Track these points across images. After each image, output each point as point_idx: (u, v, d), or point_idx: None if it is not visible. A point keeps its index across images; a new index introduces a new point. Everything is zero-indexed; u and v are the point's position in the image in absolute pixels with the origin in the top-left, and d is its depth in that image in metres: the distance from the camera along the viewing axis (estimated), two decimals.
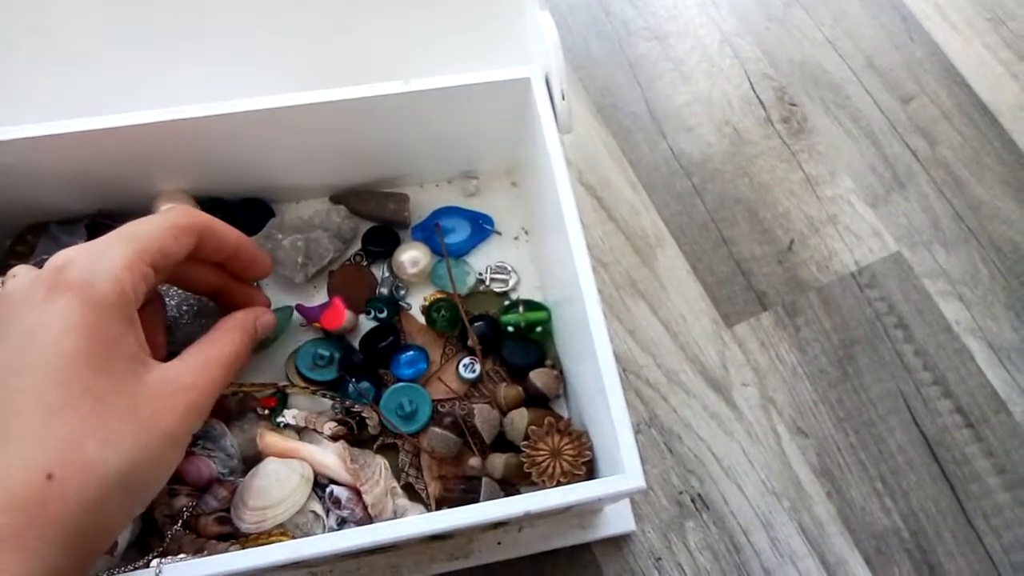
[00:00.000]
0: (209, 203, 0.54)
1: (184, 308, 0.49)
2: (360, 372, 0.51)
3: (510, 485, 0.49)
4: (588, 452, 0.46)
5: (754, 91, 0.68)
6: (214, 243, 0.40)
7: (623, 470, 0.39)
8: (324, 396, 0.51)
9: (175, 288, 0.48)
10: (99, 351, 0.31)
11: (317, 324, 0.52)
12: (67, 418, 0.30)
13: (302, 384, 0.51)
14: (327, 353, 0.51)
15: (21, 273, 0.33)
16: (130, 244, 0.34)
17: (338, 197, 0.58)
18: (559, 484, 0.45)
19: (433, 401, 0.51)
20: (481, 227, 0.58)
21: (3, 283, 0.35)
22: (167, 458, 0.34)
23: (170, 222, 0.37)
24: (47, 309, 0.31)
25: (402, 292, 0.55)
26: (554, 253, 0.50)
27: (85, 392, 0.30)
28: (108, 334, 0.31)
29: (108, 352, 0.31)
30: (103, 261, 0.33)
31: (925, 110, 0.69)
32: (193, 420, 0.35)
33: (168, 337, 0.44)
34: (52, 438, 0.29)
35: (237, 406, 0.50)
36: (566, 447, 0.47)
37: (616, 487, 0.39)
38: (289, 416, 0.49)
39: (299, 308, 0.53)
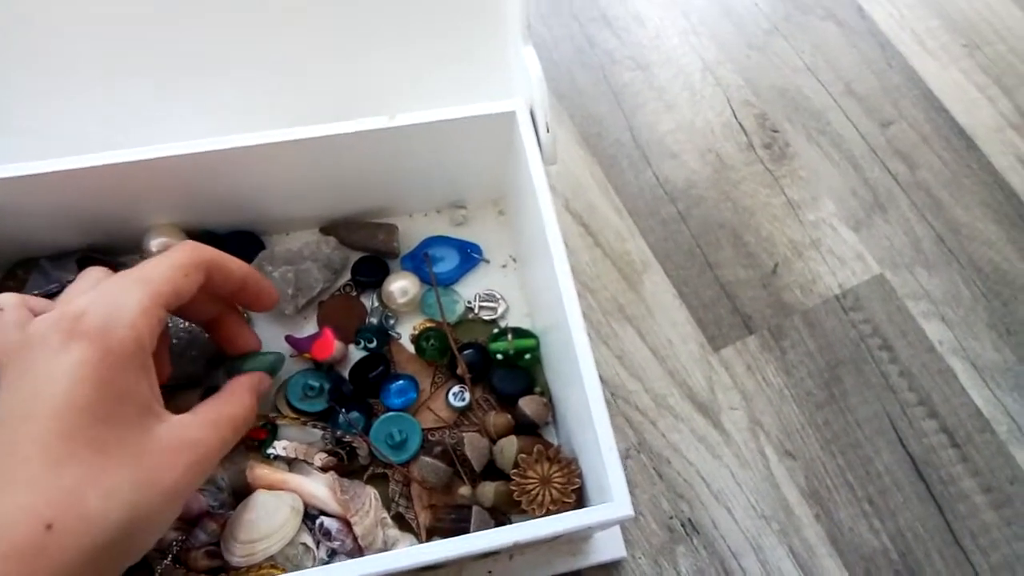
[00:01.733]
0: (199, 236, 0.55)
1: (175, 340, 0.49)
2: (350, 402, 0.52)
3: (500, 513, 0.49)
4: (577, 480, 0.46)
5: (736, 118, 0.70)
6: (221, 277, 0.41)
7: (611, 498, 0.39)
8: (315, 427, 0.51)
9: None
10: (109, 403, 0.31)
11: (307, 355, 0.52)
12: (71, 469, 0.29)
13: (292, 415, 0.51)
14: (317, 384, 0.52)
15: (41, 318, 0.33)
16: (145, 289, 0.35)
17: (328, 228, 0.58)
18: (549, 512, 0.45)
19: (423, 430, 0.51)
20: (469, 256, 0.58)
21: None
22: (165, 513, 0.33)
23: (180, 261, 0.38)
24: (61, 358, 0.31)
25: (392, 322, 0.56)
26: (541, 281, 0.51)
27: (90, 443, 0.30)
28: (120, 385, 0.32)
29: (118, 404, 0.31)
30: (120, 309, 0.33)
31: (904, 134, 0.70)
32: (195, 477, 0.35)
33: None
34: (54, 488, 0.29)
35: None
36: (555, 475, 0.47)
37: (604, 516, 0.39)
38: (279, 447, 0.49)
39: (288, 339, 0.53)
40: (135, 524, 0.31)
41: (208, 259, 0.39)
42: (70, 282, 0.51)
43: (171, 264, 0.37)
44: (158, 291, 0.35)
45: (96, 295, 0.34)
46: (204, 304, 0.43)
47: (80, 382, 0.30)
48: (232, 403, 0.39)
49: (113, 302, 0.34)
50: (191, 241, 0.40)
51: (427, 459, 0.49)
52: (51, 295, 0.51)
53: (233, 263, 0.41)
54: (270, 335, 0.54)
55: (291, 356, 0.54)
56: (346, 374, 0.53)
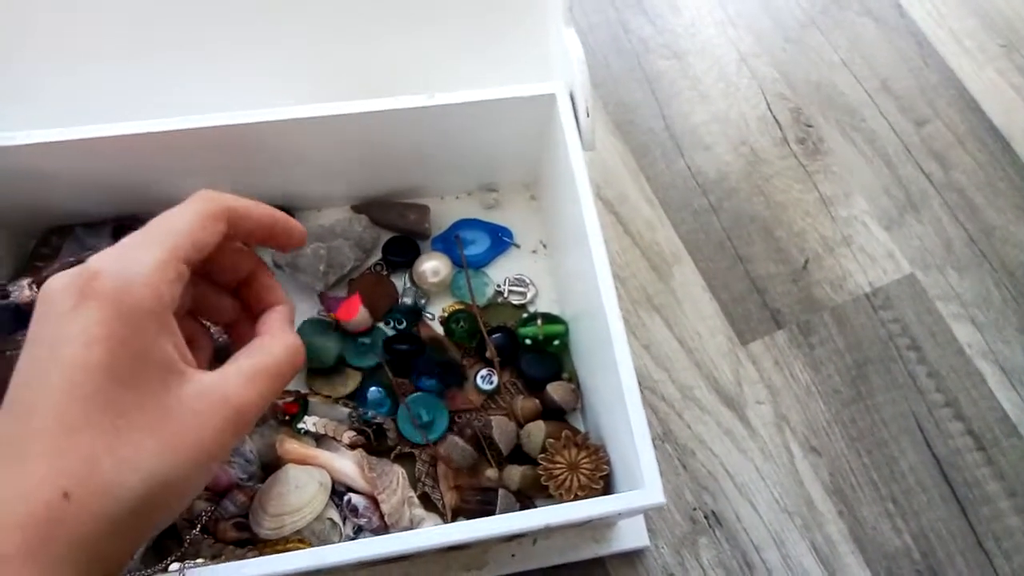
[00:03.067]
0: None
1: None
2: (401, 356, 0.53)
3: (526, 497, 0.49)
4: (605, 467, 0.46)
5: (771, 111, 0.69)
6: (246, 224, 0.37)
7: (643, 485, 0.39)
8: (345, 406, 0.51)
9: None
10: (126, 363, 0.29)
11: (332, 315, 0.53)
12: (87, 435, 0.28)
13: (323, 393, 0.51)
14: (368, 340, 0.53)
15: (56, 278, 0.32)
16: (162, 243, 0.32)
17: (360, 207, 0.58)
18: (576, 498, 0.45)
19: (450, 412, 0.51)
20: (500, 239, 0.58)
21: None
22: (195, 478, 0.31)
23: (198, 211, 0.35)
24: (74, 319, 0.29)
25: (423, 302, 0.56)
26: (574, 267, 0.50)
27: (108, 407, 0.29)
28: (138, 344, 0.30)
29: (136, 364, 0.30)
30: (135, 265, 0.31)
31: (939, 134, 0.69)
32: (230, 437, 0.32)
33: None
34: (70, 456, 0.28)
35: None
36: (583, 461, 0.47)
37: (636, 502, 0.39)
38: (310, 423, 0.50)
39: (322, 296, 0.54)
40: (158, 490, 0.29)
41: (227, 207, 0.36)
42: None
43: (189, 216, 0.34)
44: (177, 244, 0.33)
45: (110, 253, 0.32)
46: (234, 257, 0.40)
47: (94, 344, 0.29)
48: (268, 351, 0.35)
49: (128, 259, 0.31)
50: (207, 190, 0.38)
51: (455, 438, 0.49)
52: (84, 263, 0.51)
53: (256, 208, 0.38)
54: (306, 310, 0.54)
55: (319, 315, 0.54)
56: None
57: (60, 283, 0.31)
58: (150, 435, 0.30)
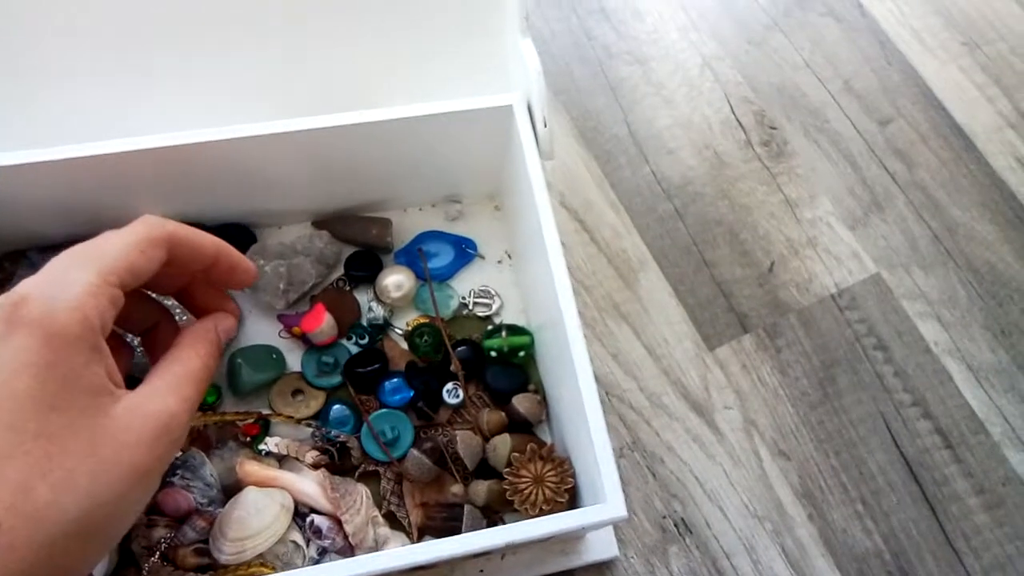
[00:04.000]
0: None
1: None
2: (364, 376, 0.52)
3: (493, 512, 0.49)
4: (571, 479, 0.46)
5: (734, 114, 0.69)
6: (188, 252, 0.38)
7: (604, 499, 0.39)
8: (307, 426, 0.51)
9: None
10: (54, 389, 0.30)
11: (297, 330, 0.52)
12: (18, 463, 0.28)
13: (285, 414, 0.51)
14: (331, 359, 0.52)
15: None
16: (94, 266, 0.32)
17: (321, 222, 0.58)
18: (541, 512, 0.45)
19: (416, 427, 0.51)
20: (464, 251, 0.58)
21: None
22: (134, 495, 0.32)
23: (136, 236, 0.35)
24: (2, 347, 0.29)
25: (387, 316, 0.55)
26: (536, 278, 0.50)
27: (39, 434, 0.29)
28: (67, 369, 0.30)
29: (65, 389, 0.30)
30: (64, 290, 0.31)
31: (902, 133, 0.70)
32: (165, 448, 0.33)
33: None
34: (1, 485, 0.28)
35: (218, 434, 0.50)
36: (549, 474, 0.47)
37: (597, 517, 0.39)
38: (271, 444, 0.49)
39: (280, 317, 0.54)
40: (97, 512, 0.29)
41: (169, 234, 0.36)
42: None
43: (127, 240, 0.35)
44: (110, 268, 0.33)
45: (40, 277, 0.32)
46: (172, 279, 0.41)
47: (22, 370, 0.29)
48: (185, 359, 0.37)
49: (57, 283, 0.31)
50: (150, 216, 0.36)
51: (415, 452, 0.48)
52: None
53: (201, 237, 0.39)
54: (266, 330, 0.53)
55: (280, 335, 0.54)
56: (341, 370, 0.53)
57: None
58: (83, 458, 0.30)
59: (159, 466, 0.33)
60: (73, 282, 0.32)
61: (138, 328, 0.42)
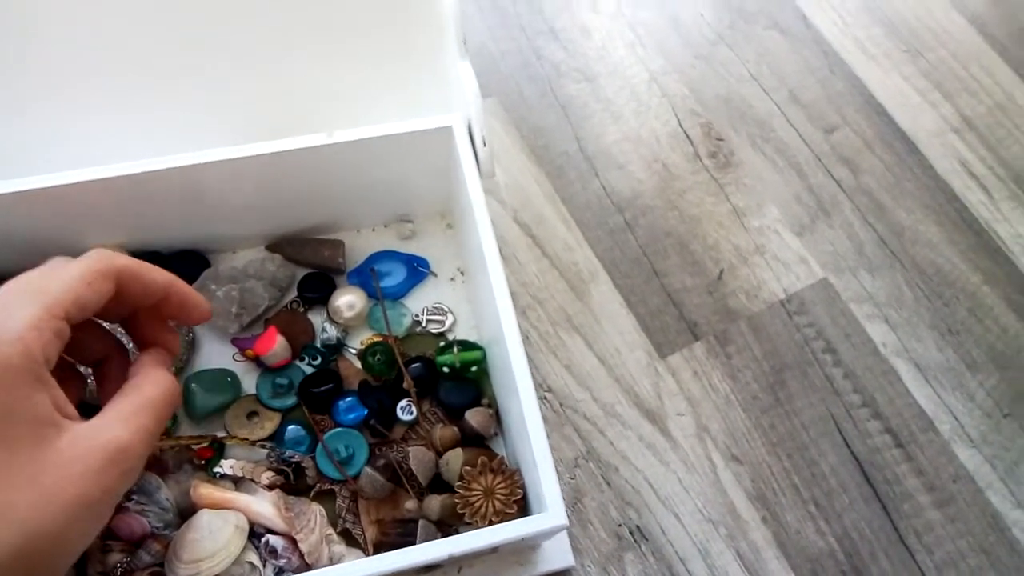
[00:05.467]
0: (143, 256, 0.54)
1: None
2: (318, 396, 0.53)
3: (448, 526, 0.50)
4: (520, 490, 0.47)
5: (682, 127, 0.71)
6: (139, 287, 0.38)
7: (546, 508, 0.40)
8: (262, 447, 0.51)
9: None
10: None
11: (250, 352, 0.53)
12: None
13: (240, 436, 0.51)
14: (285, 381, 0.53)
15: None
16: (38, 300, 0.32)
17: (274, 245, 0.59)
18: (491, 523, 0.46)
19: (370, 445, 0.52)
20: (417, 269, 0.59)
21: None
22: (80, 527, 0.31)
23: (84, 269, 0.35)
24: None
25: (340, 336, 0.56)
26: (483, 293, 0.51)
27: None
28: (9, 401, 0.30)
29: (6, 422, 0.30)
30: (7, 323, 0.31)
31: (848, 140, 0.72)
32: (115, 480, 0.33)
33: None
34: None
35: (174, 458, 0.51)
36: (499, 486, 0.47)
37: (539, 526, 0.39)
38: (226, 466, 0.50)
39: (234, 341, 0.54)
40: (40, 542, 0.29)
41: (118, 268, 0.36)
42: None
43: (73, 274, 0.34)
44: (55, 302, 0.33)
45: None
46: (120, 309, 0.40)
47: None
48: (140, 388, 0.36)
49: (2, 317, 0.32)
50: (101, 249, 0.36)
51: (368, 470, 0.49)
52: None
53: (152, 272, 0.38)
54: (220, 353, 0.54)
55: (235, 359, 0.54)
56: (295, 391, 0.53)
57: None
58: (24, 490, 0.30)
59: (107, 498, 0.33)
60: (16, 316, 0.32)
61: (90, 358, 0.41)
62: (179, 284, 0.40)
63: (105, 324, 0.42)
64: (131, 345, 0.50)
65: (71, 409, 0.34)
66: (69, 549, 0.32)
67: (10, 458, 0.30)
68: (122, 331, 0.50)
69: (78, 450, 0.32)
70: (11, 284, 0.34)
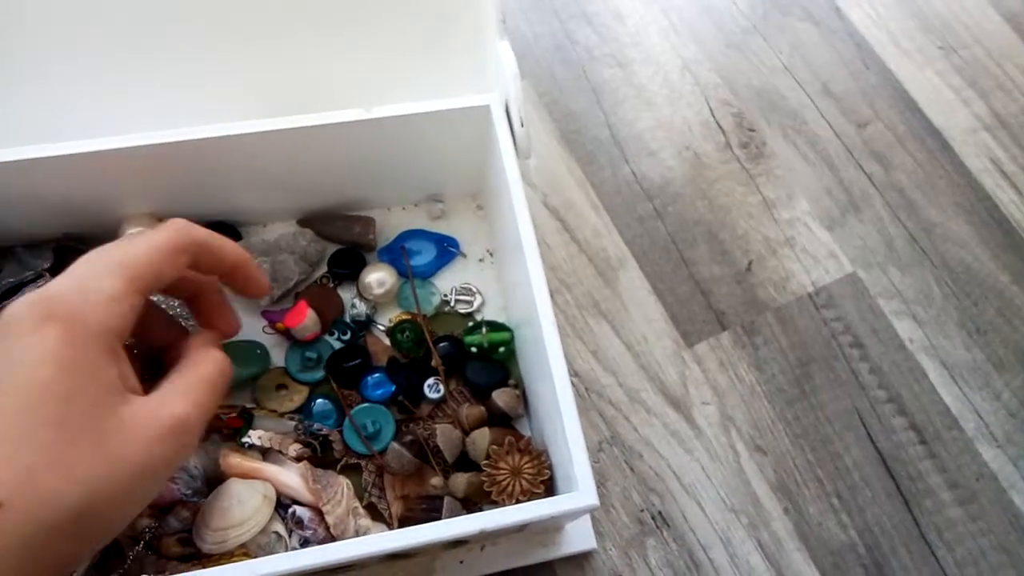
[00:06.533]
0: None
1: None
2: (347, 371, 0.53)
3: (472, 504, 0.50)
4: (547, 471, 0.47)
5: (714, 116, 0.70)
6: (210, 260, 0.39)
7: (577, 488, 0.40)
8: (291, 419, 0.51)
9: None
10: (72, 382, 0.31)
11: (280, 325, 0.53)
12: (26, 447, 0.29)
13: (268, 407, 0.52)
14: (314, 355, 0.53)
15: (18, 302, 0.33)
16: (124, 273, 0.34)
17: (305, 220, 0.59)
18: (518, 502, 0.46)
19: (397, 421, 0.52)
20: (446, 249, 0.59)
21: None
22: (136, 492, 0.33)
23: (166, 243, 0.36)
24: (31, 339, 0.31)
25: (370, 313, 0.56)
26: (515, 275, 0.51)
27: (50, 423, 0.30)
28: (87, 366, 0.31)
29: (83, 384, 0.31)
30: (93, 295, 0.33)
31: (880, 135, 0.71)
32: (173, 450, 0.34)
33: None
34: (7, 466, 0.29)
35: None
36: (526, 466, 0.48)
37: (569, 505, 0.40)
38: (254, 436, 0.50)
39: (264, 313, 0.55)
40: (97, 505, 0.30)
41: (198, 241, 0.38)
42: (46, 270, 0.52)
43: (156, 246, 0.36)
44: (138, 275, 0.34)
45: (72, 278, 0.34)
46: (188, 282, 0.41)
47: (46, 361, 0.30)
48: (197, 365, 0.37)
49: (87, 288, 0.33)
50: (181, 220, 0.37)
51: (395, 445, 0.49)
52: (26, 283, 0.51)
53: (226, 247, 0.40)
54: (251, 326, 0.54)
55: (264, 331, 0.54)
56: (323, 365, 0.54)
57: (22, 306, 0.33)
58: (91, 450, 0.31)
59: (164, 467, 0.34)
60: (102, 289, 0.33)
61: (154, 340, 0.42)
62: (245, 258, 0.41)
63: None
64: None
65: (135, 383, 0.35)
66: (124, 512, 0.34)
67: (84, 419, 0.31)
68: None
69: (140, 420, 0.33)
70: (92, 255, 0.35)
